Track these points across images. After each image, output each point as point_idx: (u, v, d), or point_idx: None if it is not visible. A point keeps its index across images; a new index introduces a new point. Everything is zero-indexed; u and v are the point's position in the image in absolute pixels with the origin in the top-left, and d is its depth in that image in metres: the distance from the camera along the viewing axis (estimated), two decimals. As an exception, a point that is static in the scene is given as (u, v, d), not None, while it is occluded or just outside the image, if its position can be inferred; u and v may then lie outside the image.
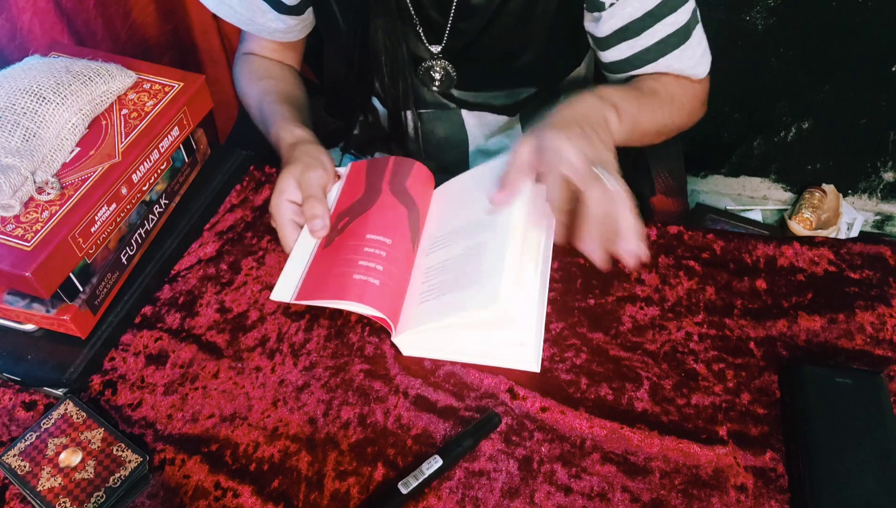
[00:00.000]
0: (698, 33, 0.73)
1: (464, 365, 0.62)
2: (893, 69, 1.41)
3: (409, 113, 0.84)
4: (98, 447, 0.55)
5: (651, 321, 0.65)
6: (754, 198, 1.71)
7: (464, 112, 0.85)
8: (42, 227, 0.58)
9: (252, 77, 0.85)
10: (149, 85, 0.70)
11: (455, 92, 0.83)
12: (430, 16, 0.76)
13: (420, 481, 0.53)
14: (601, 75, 0.83)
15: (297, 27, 0.83)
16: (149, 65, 0.72)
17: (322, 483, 0.55)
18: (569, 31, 0.76)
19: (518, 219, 0.63)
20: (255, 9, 0.79)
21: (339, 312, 0.66)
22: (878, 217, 1.68)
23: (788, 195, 1.69)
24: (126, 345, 0.64)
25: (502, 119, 0.86)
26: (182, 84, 0.70)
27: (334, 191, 0.72)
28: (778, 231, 1.66)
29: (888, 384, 0.58)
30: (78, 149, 0.64)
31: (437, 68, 0.80)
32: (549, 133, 0.59)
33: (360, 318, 0.65)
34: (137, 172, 0.65)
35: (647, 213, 0.87)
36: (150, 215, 0.69)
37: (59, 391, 0.60)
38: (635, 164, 0.91)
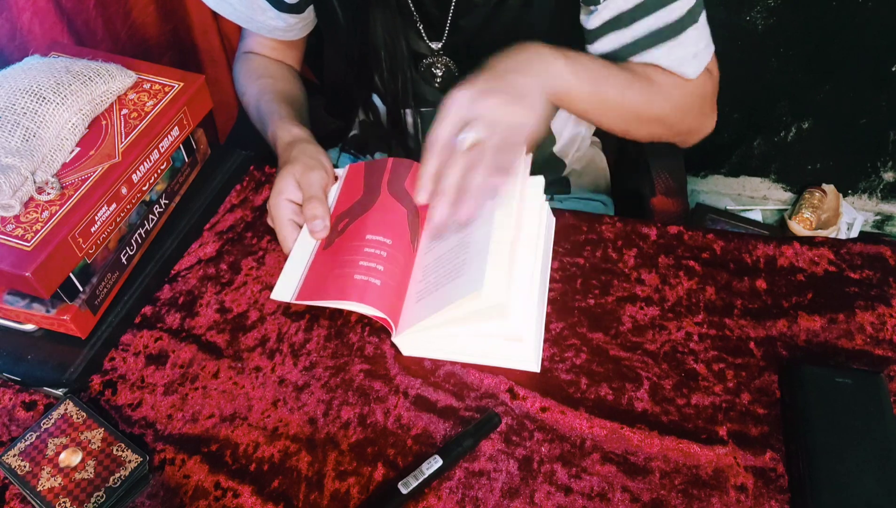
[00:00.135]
0: (693, 33, 0.69)
1: (464, 365, 0.62)
2: (893, 69, 1.41)
3: (408, 111, 0.84)
4: (98, 447, 0.55)
5: (651, 321, 0.65)
6: (754, 198, 1.72)
7: None
8: (42, 227, 0.58)
9: (251, 76, 0.85)
10: (149, 85, 0.70)
11: None
12: (430, 12, 0.76)
13: (420, 481, 0.53)
14: None
15: (297, 25, 0.83)
16: (149, 65, 0.72)
17: (322, 483, 0.55)
18: (567, 26, 0.76)
19: (507, 210, 0.62)
20: (255, 6, 0.79)
21: (339, 312, 0.66)
22: (878, 217, 1.68)
23: (788, 195, 1.69)
24: (126, 345, 0.64)
25: None
26: (182, 84, 0.70)
27: (332, 192, 0.72)
28: (778, 231, 1.66)
29: (888, 384, 0.58)
30: (78, 149, 0.64)
31: (439, 65, 0.80)
32: (456, 91, 0.61)
33: (360, 318, 0.65)
34: (137, 172, 0.65)
35: (647, 213, 0.87)
36: (150, 215, 0.69)
37: (59, 391, 0.60)
38: (635, 164, 0.91)
